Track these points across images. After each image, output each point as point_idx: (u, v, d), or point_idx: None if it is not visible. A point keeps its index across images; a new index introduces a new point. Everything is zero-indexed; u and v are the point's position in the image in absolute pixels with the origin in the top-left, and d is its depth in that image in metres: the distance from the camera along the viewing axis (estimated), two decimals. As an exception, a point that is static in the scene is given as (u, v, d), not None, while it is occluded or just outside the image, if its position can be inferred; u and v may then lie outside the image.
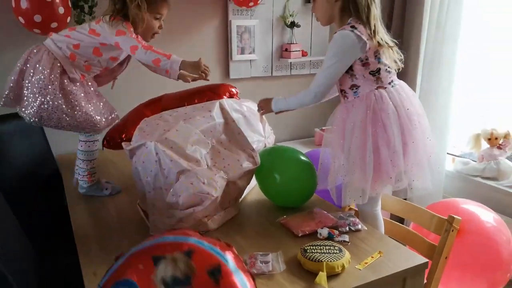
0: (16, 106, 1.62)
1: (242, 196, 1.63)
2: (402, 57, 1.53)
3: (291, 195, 1.54)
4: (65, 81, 1.60)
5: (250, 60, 2.70)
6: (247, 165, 1.45)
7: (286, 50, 2.76)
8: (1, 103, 1.63)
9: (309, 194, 1.57)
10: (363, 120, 1.45)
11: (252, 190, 1.75)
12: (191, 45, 2.51)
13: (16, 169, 1.89)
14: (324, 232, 1.34)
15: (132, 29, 1.60)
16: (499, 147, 2.40)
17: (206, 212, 1.33)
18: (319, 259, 1.15)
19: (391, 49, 1.47)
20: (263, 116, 1.77)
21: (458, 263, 1.74)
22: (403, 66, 1.55)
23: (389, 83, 1.48)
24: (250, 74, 2.73)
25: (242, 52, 2.66)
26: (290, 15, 2.71)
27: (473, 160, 2.56)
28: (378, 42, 1.43)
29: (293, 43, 2.74)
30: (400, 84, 1.54)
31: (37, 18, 1.89)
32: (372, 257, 1.23)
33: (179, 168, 1.30)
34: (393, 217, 1.86)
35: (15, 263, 1.10)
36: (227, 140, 1.49)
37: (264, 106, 1.67)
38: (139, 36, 1.62)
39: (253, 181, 1.76)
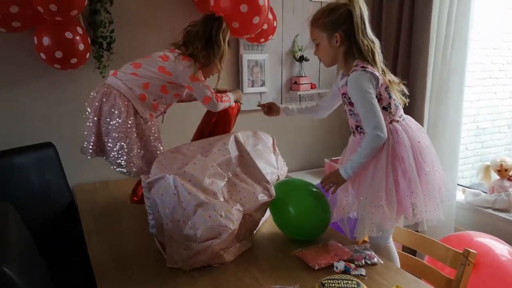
0: (101, 155, 1.67)
1: (257, 228, 1.64)
2: (407, 92, 1.58)
3: (305, 229, 1.55)
4: (140, 121, 1.66)
5: (261, 92, 2.77)
6: (262, 197, 1.47)
7: (295, 83, 2.83)
8: (88, 156, 1.67)
9: (323, 227, 1.58)
10: (383, 154, 1.47)
11: (266, 222, 1.76)
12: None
13: (33, 200, 1.92)
14: (341, 265, 1.34)
15: (202, 76, 1.72)
16: (509, 179, 2.40)
17: (223, 244, 1.34)
18: (337, 293, 1.15)
19: (399, 85, 1.53)
20: (276, 148, 1.81)
21: (474, 297, 1.72)
22: (409, 100, 1.60)
23: (400, 117, 1.53)
24: (260, 106, 2.79)
25: (253, 85, 2.72)
26: (299, 50, 2.80)
27: (483, 192, 2.56)
28: (388, 80, 1.48)
29: (302, 76, 2.81)
30: (408, 118, 1.59)
31: (58, 54, 1.97)
32: (390, 291, 1.23)
33: (197, 201, 1.32)
34: (405, 249, 1.86)
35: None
36: (242, 172, 1.52)
37: (335, 180, 1.54)
38: (209, 86, 1.73)
39: (267, 213, 1.78)
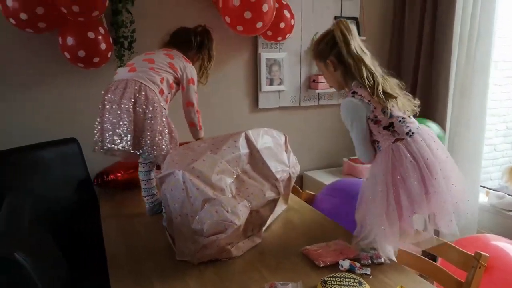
0: (137, 149, 1.70)
1: (266, 225, 1.66)
2: (416, 102, 1.53)
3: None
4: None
5: (279, 91, 2.78)
6: (270, 194, 1.49)
7: (314, 81, 2.82)
8: (130, 149, 1.67)
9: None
10: (384, 174, 1.45)
11: (277, 220, 1.77)
12: (224, 76, 2.63)
13: (56, 194, 2.01)
14: (346, 264, 1.34)
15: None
16: (535, 181, 2.32)
17: (229, 239, 1.37)
18: (338, 291, 1.15)
19: (400, 98, 1.47)
20: (288, 146, 1.82)
21: (488, 301, 1.68)
22: (419, 110, 1.55)
23: (407, 134, 1.46)
24: (278, 104, 2.81)
25: (271, 83, 2.74)
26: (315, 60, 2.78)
27: (508, 194, 2.48)
28: (380, 95, 1.43)
29: (321, 75, 2.80)
30: (420, 131, 1.48)
31: (81, 53, 2.06)
32: (394, 291, 1.22)
33: (204, 196, 1.35)
34: (424, 252, 1.82)
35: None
36: (252, 169, 1.55)
37: None
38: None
39: (278, 210, 1.80)
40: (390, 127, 1.46)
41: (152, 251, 1.51)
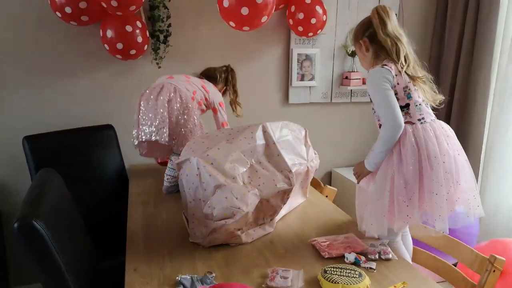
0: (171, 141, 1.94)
1: (281, 216, 1.70)
2: (441, 97, 1.54)
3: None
4: None
5: (310, 86, 2.79)
6: (281, 185, 1.53)
7: (346, 78, 2.80)
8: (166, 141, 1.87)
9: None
10: (392, 157, 1.47)
11: (292, 211, 1.81)
12: (256, 70, 2.69)
13: (91, 174, 2.17)
14: (351, 257, 1.35)
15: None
16: None
17: (237, 225, 1.42)
18: (336, 281, 1.17)
19: (425, 83, 1.50)
20: (308, 140, 1.84)
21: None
22: (442, 98, 1.55)
23: (419, 120, 1.48)
24: (309, 100, 2.82)
25: (302, 79, 2.76)
26: (352, 44, 2.76)
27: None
28: (409, 74, 1.47)
29: (354, 71, 2.78)
30: (433, 123, 1.49)
31: (119, 45, 2.20)
32: (395, 286, 1.22)
33: (216, 183, 1.42)
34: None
35: (80, 263, 1.28)
36: (266, 160, 1.59)
37: (359, 171, 1.64)
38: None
39: (294, 203, 1.83)
40: (405, 107, 1.48)
41: (169, 232, 1.60)
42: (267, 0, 1.88)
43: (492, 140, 2.59)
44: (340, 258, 1.37)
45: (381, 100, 1.48)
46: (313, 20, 2.42)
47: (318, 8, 2.43)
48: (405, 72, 1.48)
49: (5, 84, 2.29)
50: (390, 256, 1.39)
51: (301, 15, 2.39)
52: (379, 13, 1.52)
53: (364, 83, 2.81)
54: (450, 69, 2.75)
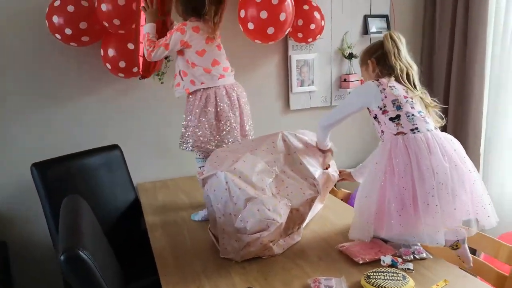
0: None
1: (305, 223, 1.70)
2: (443, 121, 1.60)
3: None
4: None
5: (310, 91, 2.81)
6: (309, 193, 1.53)
7: (344, 80, 2.84)
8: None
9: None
10: (379, 162, 1.51)
11: (314, 218, 1.81)
12: (256, 79, 2.69)
13: (103, 196, 2.13)
14: (388, 259, 1.36)
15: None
16: None
17: (271, 237, 1.42)
18: (382, 286, 1.18)
19: (434, 107, 1.58)
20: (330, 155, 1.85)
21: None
22: (445, 122, 1.61)
23: (411, 130, 1.48)
24: (310, 105, 2.84)
25: (302, 84, 2.78)
26: (348, 47, 2.80)
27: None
28: (422, 98, 1.56)
29: (352, 74, 2.82)
30: (427, 134, 1.47)
31: (122, 64, 2.16)
32: (437, 285, 1.23)
33: (246, 196, 1.41)
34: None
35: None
36: (290, 169, 1.59)
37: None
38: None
39: (315, 209, 1.83)
40: (396, 118, 1.50)
41: (196, 249, 1.58)
42: (288, 14, 1.88)
43: (490, 130, 2.66)
44: (374, 262, 1.38)
45: (344, 105, 1.71)
46: (312, 26, 2.44)
47: (316, 14, 2.46)
48: (419, 96, 1.55)
49: (7, 114, 2.24)
50: (425, 255, 1.40)
51: (300, 22, 2.41)
52: (393, 39, 1.58)
53: (362, 83, 2.85)
54: (443, 66, 2.82)
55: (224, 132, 1.85)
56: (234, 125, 1.87)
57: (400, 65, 1.56)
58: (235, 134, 1.87)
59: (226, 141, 1.85)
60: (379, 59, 1.62)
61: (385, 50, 1.58)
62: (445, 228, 1.42)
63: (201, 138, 1.84)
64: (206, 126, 1.84)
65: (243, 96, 1.96)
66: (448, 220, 1.43)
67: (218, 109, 1.84)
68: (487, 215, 1.46)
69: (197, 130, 1.84)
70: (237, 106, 1.90)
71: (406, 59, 1.59)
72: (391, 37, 1.59)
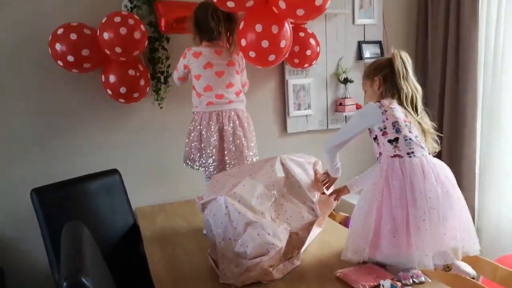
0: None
1: (304, 247, 1.71)
2: (438, 147, 1.63)
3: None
4: None
5: (306, 115, 2.86)
6: (308, 217, 1.55)
7: (340, 104, 2.89)
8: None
9: None
10: (376, 184, 1.54)
11: (313, 242, 1.82)
12: (254, 103, 2.72)
13: (102, 221, 2.13)
14: (387, 284, 1.37)
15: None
16: None
17: (271, 261, 1.42)
18: (382, 310, 1.19)
19: (432, 134, 1.61)
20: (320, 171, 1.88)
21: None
22: (439, 149, 1.65)
23: (408, 153, 1.52)
24: (307, 128, 2.88)
25: (299, 108, 2.83)
26: (343, 72, 2.87)
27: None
28: (420, 123, 1.58)
29: (347, 98, 2.87)
30: (423, 159, 1.52)
31: (123, 90, 2.20)
32: (436, 309, 1.24)
33: (246, 220, 1.43)
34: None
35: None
36: (288, 193, 1.61)
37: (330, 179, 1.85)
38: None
39: (314, 233, 1.85)
40: (394, 141, 1.54)
41: (196, 274, 1.58)
42: (287, 40, 1.94)
43: (485, 149, 2.70)
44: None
45: (348, 127, 1.71)
46: (308, 52, 2.51)
47: (312, 40, 2.53)
48: (417, 121, 1.57)
49: (8, 139, 2.26)
50: (423, 278, 1.41)
51: (296, 48, 2.48)
52: (403, 59, 1.59)
53: (358, 108, 2.90)
54: (436, 92, 2.88)
55: (204, 155, 1.96)
56: (214, 150, 1.94)
57: (406, 88, 1.57)
58: (212, 159, 1.94)
59: (207, 163, 1.96)
60: (386, 78, 1.61)
61: (394, 69, 1.58)
62: (433, 252, 1.45)
63: (187, 155, 2.01)
64: (192, 145, 1.98)
65: (236, 124, 2.01)
66: (437, 244, 1.47)
67: (202, 133, 1.96)
68: (473, 242, 1.52)
69: (186, 147, 2.03)
70: (217, 133, 1.95)
71: (413, 81, 1.60)
72: (401, 57, 1.59)
